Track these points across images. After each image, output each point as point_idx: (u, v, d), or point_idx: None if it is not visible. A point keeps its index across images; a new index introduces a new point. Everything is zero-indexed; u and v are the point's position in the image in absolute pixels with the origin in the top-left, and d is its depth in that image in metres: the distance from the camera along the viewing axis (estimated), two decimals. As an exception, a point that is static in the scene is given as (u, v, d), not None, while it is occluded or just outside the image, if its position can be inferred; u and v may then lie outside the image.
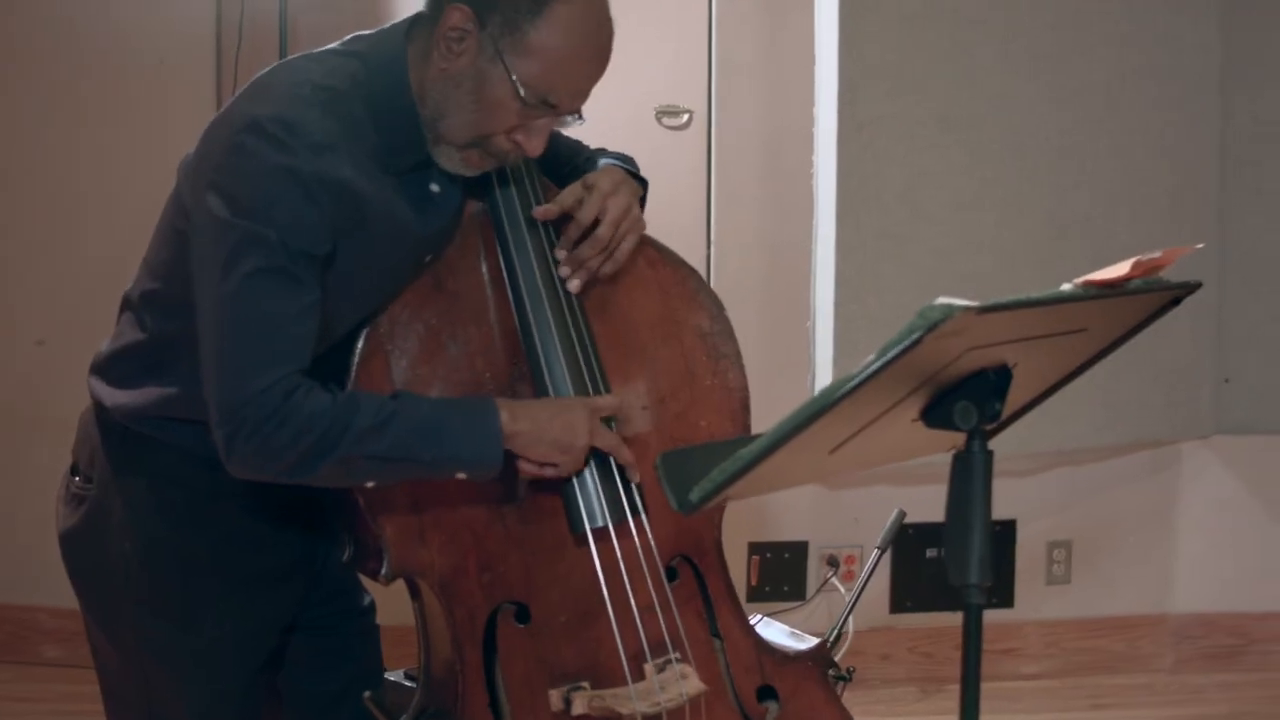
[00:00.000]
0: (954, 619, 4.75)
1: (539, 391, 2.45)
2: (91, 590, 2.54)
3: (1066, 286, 1.89)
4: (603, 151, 2.70)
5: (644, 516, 2.47)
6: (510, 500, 2.43)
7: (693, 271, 2.65)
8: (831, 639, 3.15)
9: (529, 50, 2.24)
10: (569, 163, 2.69)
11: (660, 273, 2.60)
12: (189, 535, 2.48)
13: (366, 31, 2.41)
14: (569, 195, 2.50)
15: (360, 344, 2.37)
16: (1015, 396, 2.03)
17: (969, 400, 1.89)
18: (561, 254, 2.49)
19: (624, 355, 2.54)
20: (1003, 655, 4.84)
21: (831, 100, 4.21)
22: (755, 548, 4.70)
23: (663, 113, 4.56)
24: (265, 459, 2.21)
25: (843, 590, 4.63)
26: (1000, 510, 4.65)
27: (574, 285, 2.48)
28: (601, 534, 2.45)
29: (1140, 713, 4.71)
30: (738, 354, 2.64)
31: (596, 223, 2.48)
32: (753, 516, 4.64)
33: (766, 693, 2.60)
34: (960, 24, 4.27)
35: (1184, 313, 4.49)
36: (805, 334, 4.32)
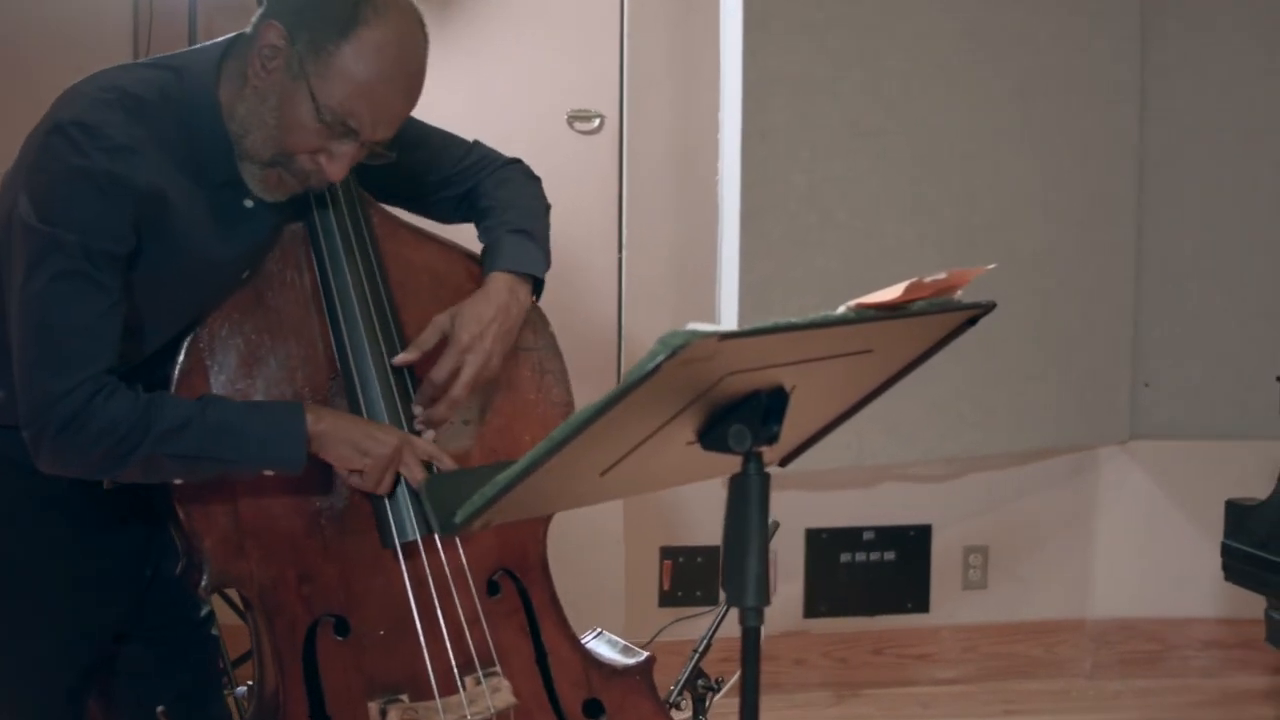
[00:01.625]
0: (869, 623, 4.77)
1: (353, 412, 2.43)
2: None
3: (841, 309, 1.84)
4: (504, 197, 2.67)
5: None
6: (329, 512, 2.42)
7: None
8: (701, 648, 3.11)
9: (332, 72, 2.23)
10: (450, 188, 2.65)
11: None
12: (6, 542, 2.47)
13: (189, 48, 2.39)
14: (429, 336, 2.48)
15: (180, 357, 2.37)
16: (806, 418, 1.99)
17: (743, 423, 1.84)
18: (418, 409, 2.48)
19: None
20: (918, 660, 4.80)
21: (736, 106, 4.17)
22: (667, 552, 4.65)
23: (575, 117, 4.51)
24: (71, 458, 2.23)
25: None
26: (915, 515, 4.65)
27: (429, 436, 2.47)
28: (411, 548, 2.44)
29: (1056, 719, 4.66)
30: (563, 370, 2.63)
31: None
32: (665, 520, 4.60)
33: (593, 706, 2.56)
34: (867, 31, 4.23)
35: (1101, 316, 4.55)
36: (711, 338, 4.25)
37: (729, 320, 4.18)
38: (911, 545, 4.77)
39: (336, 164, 2.29)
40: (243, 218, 2.38)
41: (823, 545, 4.69)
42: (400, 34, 2.27)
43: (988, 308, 1.99)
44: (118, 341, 2.24)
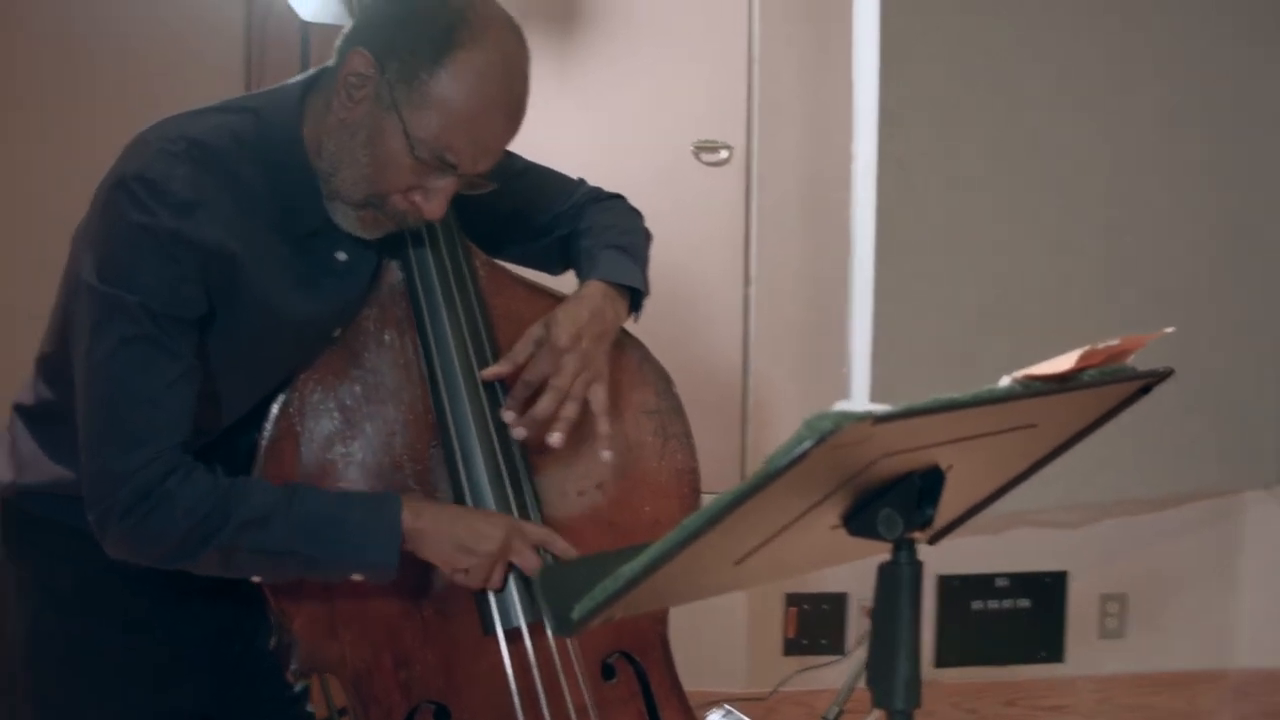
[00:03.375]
0: (1001, 673, 4.52)
1: (454, 486, 2.21)
2: None
3: (1006, 381, 1.63)
4: (601, 227, 2.43)
5: None
6: (428, 592, 2.21)
7: (636, 344, 2.39)
8: (834, 717, 2.90)
9: (426, 102, 2.01)
10: (549, 218, 2.43)
11: None
12: (80, 623, 2.27)
13: (269, 88, 2.19)
14: (522, 347, 2.24)
15: (269, 425, 2.15)
16: (958, 497, 1.78)
17: (893, 507, 1.64)
18: (509, 415, 2.23)
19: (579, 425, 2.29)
20: (1052, 712, 4.57)
21: (871, 135, 3.93)
22: (793, 599, 4.44)
23: (701, 148, 4.32)
24: (139, 544, 2.02)
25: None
26: (1050, 562, 4.41)
27: (519, 434, 2.23)
28: (515, 634, 2.21)
29: (1196, 773, 4.42)
30: (687, 433, 2.38)
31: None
32: (791, 565, 4.38)
33: (719, 799, 2.33)
34: (1006, 57, 3.98)
35: (1247, 354, 4.27)
36: (843, 379, 4.05)
37: (860, 360, 3.95)
38: (1046, 592, 4.52)
39: (434, 201, 2.08)
40: (333, 272, 2.18)
41: (954, 592, 4.46)
42: (501, 55, 2.05)
43: (1163, 375, 1.77)
44: (191, 413, 2.04)
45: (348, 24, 2.12)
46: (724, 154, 4.30)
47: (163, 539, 2.00)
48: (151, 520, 1.98)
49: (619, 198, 2.50)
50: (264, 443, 2.13)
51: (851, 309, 4.02)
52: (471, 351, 2.23)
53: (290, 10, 4.00)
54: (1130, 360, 1.74)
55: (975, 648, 4.53)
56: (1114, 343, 1.67)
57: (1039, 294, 4.02)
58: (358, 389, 2.19)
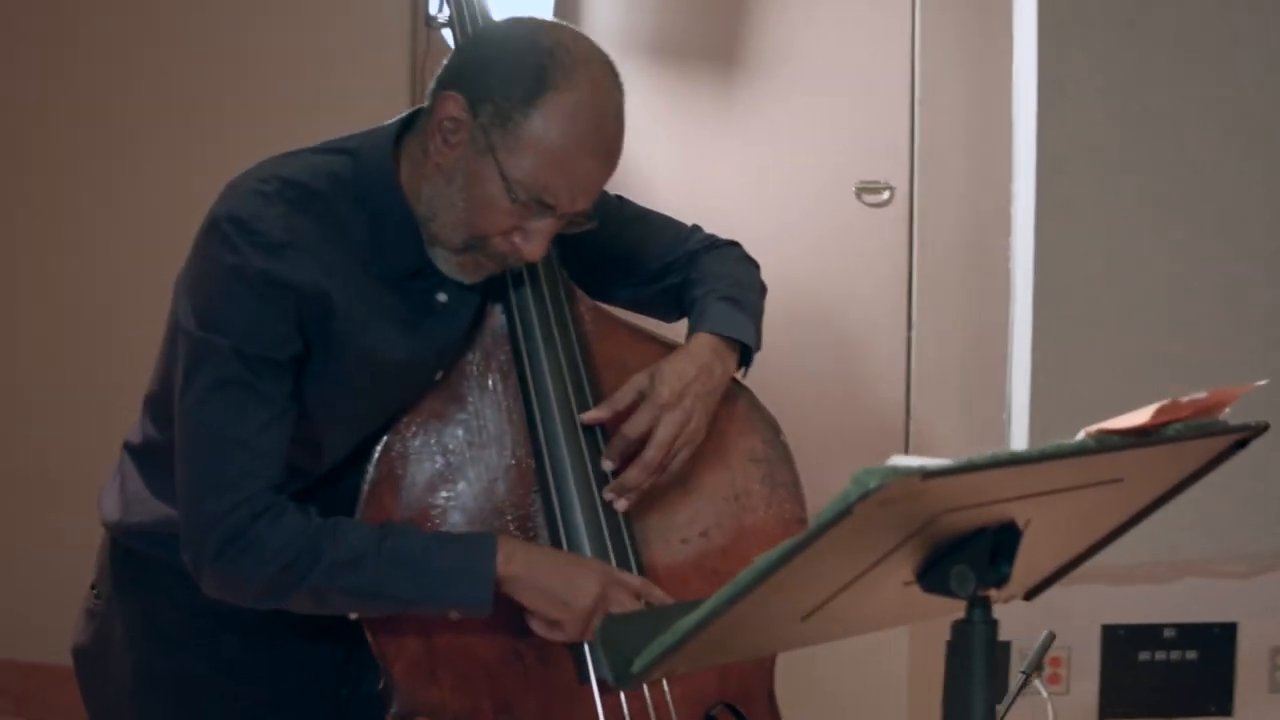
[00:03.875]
0: (1172, 726, 4.38)
1: (552, 533, 2.19)
2: (97, 712, 2.36)
3: (1081, 435, 1.57)
4: (713, 275, 2.39)
5: None
6: (530, 637, 2.17)
7: (743, 389, 2.35)
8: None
9: (521, 144, 2.00)
10: (659, 265, 2.41)
11: None
12: (184, 661, 2.28)
13: (366, 130, 2.19)
14: (624, 394, 2.22)
15: (370, 469, 2.14)
16: (1048, 551, 1.73)
17: (967, 564, 1.58)
18: (608, 465, 2.21)
19: (661, 483, 2.25)
20: (1222, 768, 4.40)
21: (1029, 178, 3.86)
22: (954, 645, 4.32)
23: (863, 189, 4.25)
24: (232, 586, 2.04)
25: (1045, 693, 4.23)
26: (1219, 613, 4.26)
27: (621, 506, 2.21)
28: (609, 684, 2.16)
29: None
30: (795, 481, 2.33)
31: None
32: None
33: None
34: (1169, 96, 3.88)
35: None
36: (1002, 425, 3.97)
37: (1019, 407, 3.87)
38: (1215, 644, 4.37)
39: (534, 242, 2.07)
40: (433, 313, 2.17)
41: (1120, 642, 4.33)
42: (594, 93, 2.03)
43: (1258, 430, 1.70)
44: (284, 456, 2.05)
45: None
46: (886, 195, 4.24)
47: (254, 580, 2.01)
48: (243, 562, 1.99)
49: (734, 245, 2.46)
50: (365, 485, 2.13)
51: (1011, 353, 3.95)
52: (573, 397, 2.21)
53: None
54: (1226, 413, 1.67)
55: (1141, 700, 4.39)
56: (1200, 396, 1.61)
57: (1202, 339, 3.91)
58: (459, 433, 2.18)
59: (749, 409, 2.34)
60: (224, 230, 2.01)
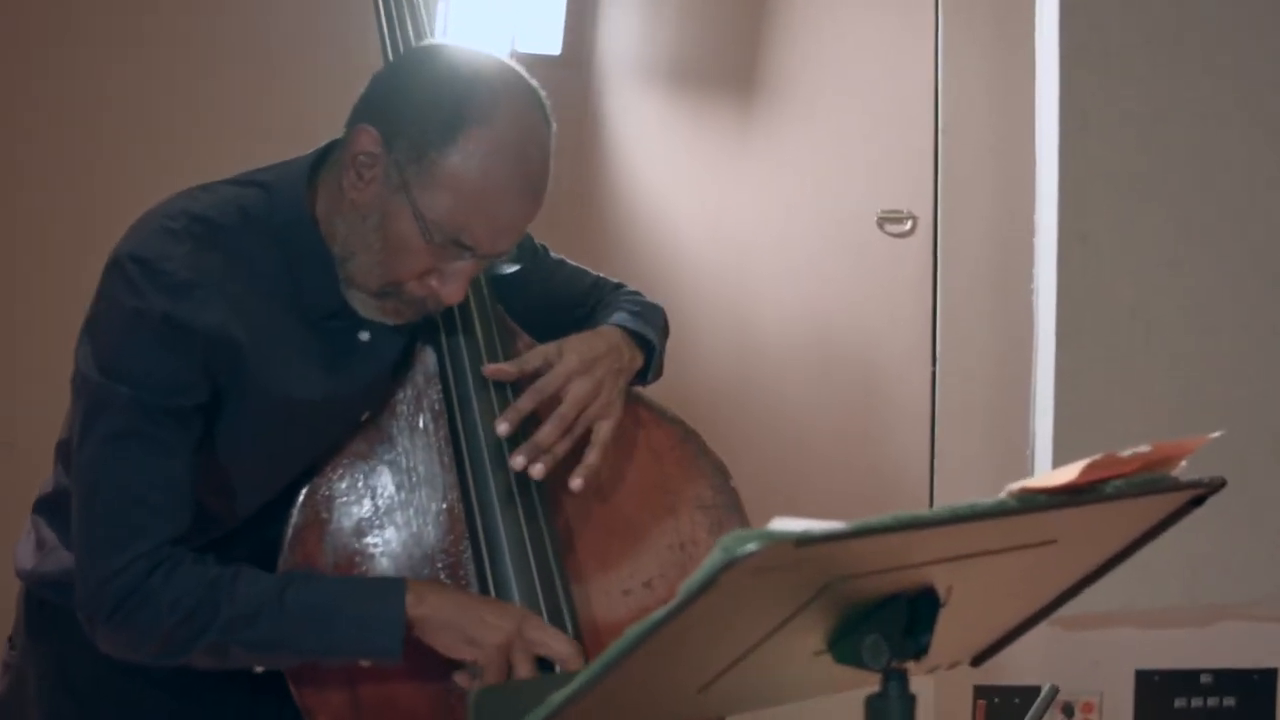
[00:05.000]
0: (1205, 777, 4.18)
1: (480, 582, 2.05)
2: None
3: (1003, 494, 1.41)
4: (621, 298, 2.27)
5: None
6: (458, 688, 2.02)
7: (692, 433, 2.20)
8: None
9: (437, 181, 1.86)
10: (579, 306, 2.28)
11: (652, 434, 2.17)
12: (95, 713, 2.16)
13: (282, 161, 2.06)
14: (534, 356, 2.09)
15: (294, 513, 2.02)
16: (983, 619, 1.58)
17: (881, 633, 1.43)
18: (503, 428, 2.05)
19: (603, 532, 2.11)
20: (1263, 823, 4.20)
21: (1052, 207, 3.71)
22: (981, 691, 4.17)
23: (886, 218, 4.10)
24: (128, 643, 1.92)
25: (1076, 741, 4.08)
26: (1259, 658, 4.08)
27: (536, 471, 2.04)
28: None
29: None
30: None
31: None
32: (979, 655, 4.11)
33: None
34: (1199, 122, 3.71)
35: None
36: (1025, 462, 3.80)
37: (1043, 446, 3.70)
38: (1255, 690, 4.18)
39: (451, 285, 1.93)
40: (355, 352, 2.04)
41: (1154, 688, 4.14)
42: (517, 128, 1.88)
43: (1214, 486, 1.53)
44: (187, 507, 1.92)
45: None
46: (909, 224, 4.08)
47: (149, 637, 1.89)
48: (137, 619, 1.88)
49: (634, 290, 2.34)
50: (289, 530, 2.01)
51: (1034, 393, 3.79)
52: (505, 445, 2.05)
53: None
54: (1181, 467, 1.51)
55: (1177, 748, 4.21)
56: (1143, 449, 1.45)
57: (1239, 379, 3.72)
58: (388, 476, 2.05)
59: (697, 453, 2.20)
60: (127, 270, 1.89)
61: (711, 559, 1.24)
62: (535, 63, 4.08)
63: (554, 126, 1.95)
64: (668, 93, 4.39)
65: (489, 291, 2.14)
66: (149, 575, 1.87)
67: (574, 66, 4.42)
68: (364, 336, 2.03)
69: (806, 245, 4.20)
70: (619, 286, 2.35)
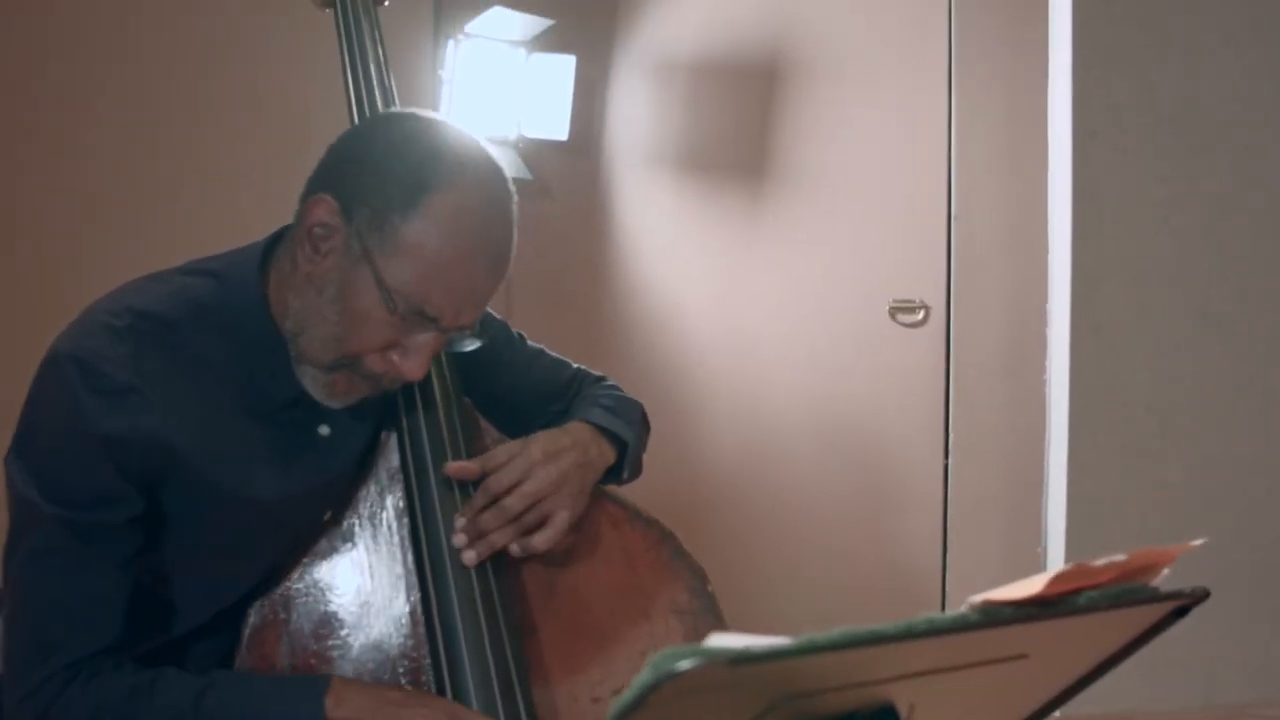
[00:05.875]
0: None
1: (438, 686, 1.92)
2: None
3: (964, 607, 1.31)
4: (598, 393, 2.17)
5: None
6: None
7: (668, 535, 2.08)
8: None
9: (400, 250, 1.76)
10: (555, 401, 2.19)
11: (625, 536, 2.06)
12: None
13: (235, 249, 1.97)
14: (500, 453, 1.97)
15: (251, 613, 1.91)
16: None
17: (836, 755, 1.32)
18: (460, 520, 1.95)
19: (573, 635, 2.00)
20: None
21: (1064, 298, 3.61)
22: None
23: (898, 308, 4.01)
24: None
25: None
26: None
27: (468, 558, 1.93)
28: None
29: None
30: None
31: None
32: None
33: None
34: (1216, 207, 3.63)
35: None
36: (1037, 559, 3.70)
37: (1055, 541, 3.60)
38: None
39: (413, 360, 1.82)
40: (314, 448, 1.93)
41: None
42: (480, 195, 1.80)
43: (1197, 597, 1.43)
44: (116, 619, 1.81)
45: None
46: (921, 314, 3.99)
47: None
48: None
49: (616, 385, 2.24)
50: (246, 630, 1.90)
51: (1046, 485, 3.70)
52: (455, 496, 1.95)
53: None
54: (1163, 576, 1.41)
55: None
56: (1119, 559, 1.35)
57: (1250, 467, 3.62)
58: (349, 576, 1.94)
59: (673, 556, 2.08)
60: (64, 371, 1.78)
61: (641, 678, 1.14)
62: (542, 148, 4.04)
63: (515, 197, 1.87)
64: (677, 178, 4.33)
65: (454, 386, 2.05)
66: (65, 687, 1.77)
67: (582, 152, 4.37)
68: (324, 431, 1.94)
69: (818, 333, 4.13)
70: (599, 380, 2.25)
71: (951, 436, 3.98)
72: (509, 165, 3.85)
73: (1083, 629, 1.39)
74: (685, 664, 1.13)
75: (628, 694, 1.15)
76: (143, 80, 4.00)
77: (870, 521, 4.09)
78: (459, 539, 1.92)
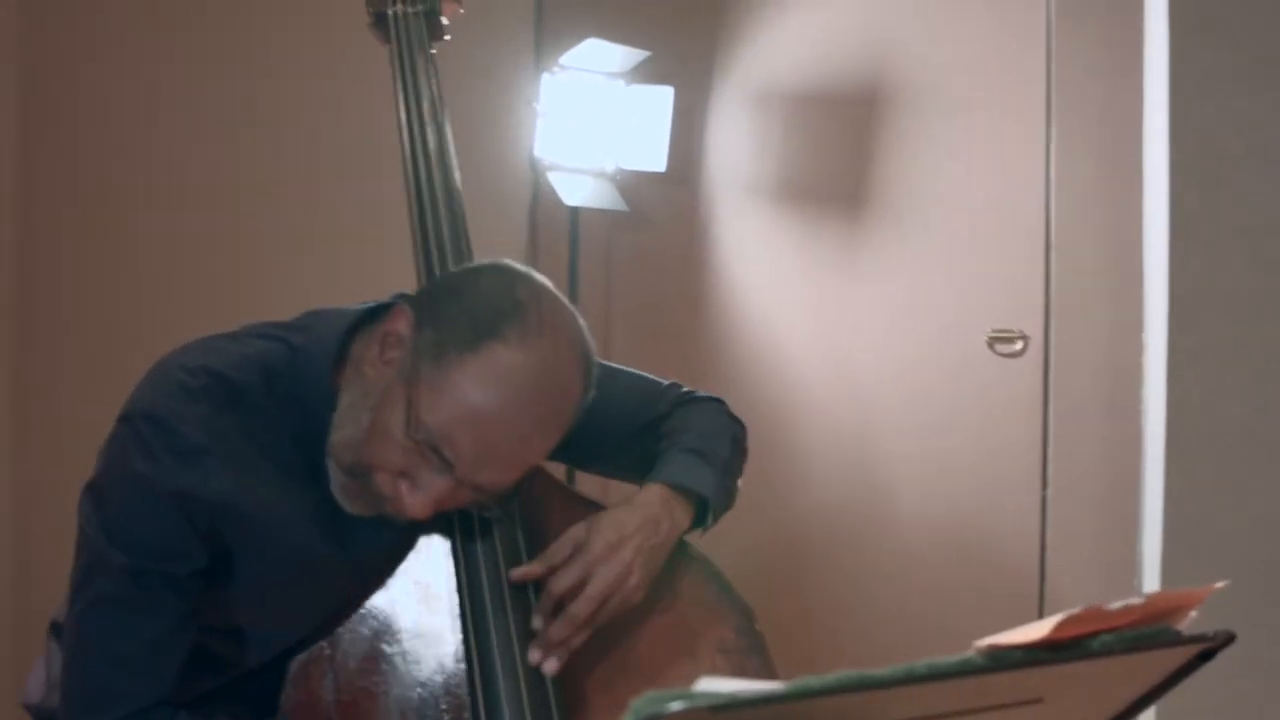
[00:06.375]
0: None
1: None
2: None
3: (971, 650, 1.30)
4: (683, 435, 2.11)
5: None
6: None
7: (715, 573, 2.06)
8: None
9: (442, 384, 1.75)
10: (636, 439, 2.16)
11: (670, 572, 2.04)
12: None
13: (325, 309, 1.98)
14: (560, 548, 1.94)
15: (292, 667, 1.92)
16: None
17: (843, 796, 1.31)
18: (537, 623, 1.92)
19: (615, 674, 1.98)
20: None
21: (1161, 324, 3.54)
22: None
23: (996, 338, 3.97)
24: None
25: None
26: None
27: (550, 668, 1.91)
28: None
29: None
30: (769, 675, 2.01)
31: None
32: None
33: None
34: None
35: None
36: (1134, 590, 3.63)
37: (1150, 574, 3.53)
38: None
39: (418, 497, 1.80)
40: (367, 524, 1.94)
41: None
42: (543, 366, 1.77)
43: (1222, 640, 1.40)
44: (172, 671, 1.84)
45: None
46: (1019, 344, 3.94)
47: None
48: None
49: (714, 400, 2.20)
50: (293, 667, 1.92)
51: (1142, 516, 3.63)
52: (506, 591, 1.93)
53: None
54: (1190, 618, 1.39)
55: None
56: (1135, 602, 1.33)
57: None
58: (392, 614, 1.95)
59: (719, 593, 2.05)
60: (139, 429, 1.81)
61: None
62: (640, 179, 4.06)
63: (591, 389, 1.84)
64: (776, 208, 4.32)
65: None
66: None
67: (680, 183, 4.37)
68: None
69: (916, 364, 4.10)
70: (690, 399, 2.20)
71: (1050, 468, 3.92)
72: (605, 198, 3.90)
73: (1102, 673, 1.38)
74: (665, 708, 1.13)
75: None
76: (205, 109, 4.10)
77: (967, 549, 4.05)
78: (534, 656, 1.89)
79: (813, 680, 1.18)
